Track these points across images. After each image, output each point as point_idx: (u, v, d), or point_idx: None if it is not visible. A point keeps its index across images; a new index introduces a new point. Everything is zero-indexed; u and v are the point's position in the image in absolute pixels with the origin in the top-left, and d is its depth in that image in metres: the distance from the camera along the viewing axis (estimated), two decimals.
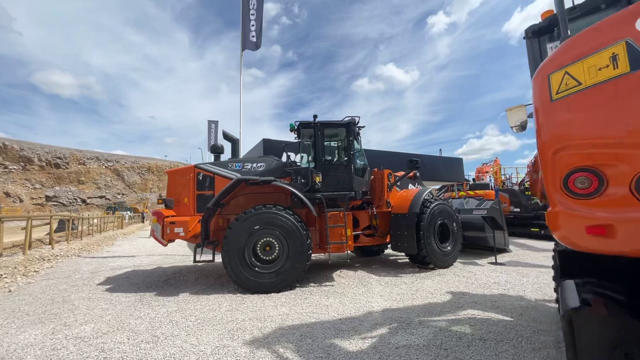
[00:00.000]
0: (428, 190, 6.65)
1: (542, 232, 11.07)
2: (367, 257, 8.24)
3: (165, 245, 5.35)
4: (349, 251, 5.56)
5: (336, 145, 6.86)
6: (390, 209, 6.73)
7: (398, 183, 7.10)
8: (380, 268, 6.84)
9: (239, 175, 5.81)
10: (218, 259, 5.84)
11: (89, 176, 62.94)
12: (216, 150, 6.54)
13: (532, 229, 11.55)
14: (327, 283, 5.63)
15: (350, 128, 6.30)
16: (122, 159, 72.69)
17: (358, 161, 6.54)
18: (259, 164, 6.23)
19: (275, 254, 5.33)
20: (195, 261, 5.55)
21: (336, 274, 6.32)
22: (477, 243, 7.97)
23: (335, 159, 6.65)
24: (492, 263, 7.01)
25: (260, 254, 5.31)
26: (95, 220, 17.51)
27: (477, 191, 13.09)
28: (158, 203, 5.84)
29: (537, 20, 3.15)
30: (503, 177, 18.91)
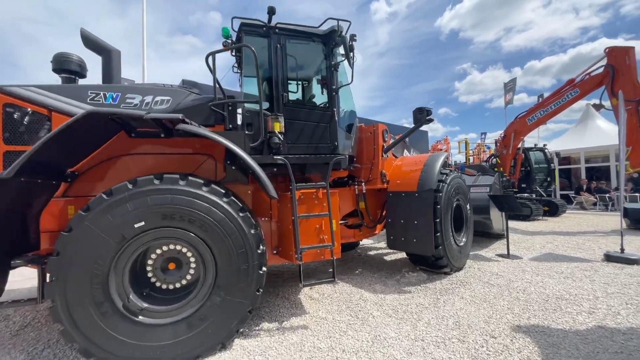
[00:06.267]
0: (444, 156, 4.44)
1: None
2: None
3: None
4: (333, 258, 3.06)
5: (309, 71, 4.08)
6: (385, 185, 4.37)
7: (392, 149, 4.75)
8: (367, 273, 4.54)
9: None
10: None
11: None
12: (62, 64, 3.20)
13: None
14: (295, 319, 3.07)
15: (332, 43, 3.60)
16: None
17: (345, 105, 3.95)
18: (158, 98, 3.18)
19: (189, 277, 2.55)
20: None
21: (305, 292, 3.81)
22: (477, 229, 6.24)
23: (307, 97, 3.95)
24: (503, 256, 5.31)
25: (154, 279, 2.48)
26: None
27: None
28: None
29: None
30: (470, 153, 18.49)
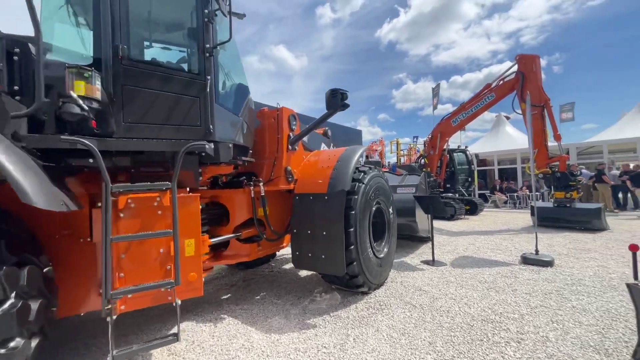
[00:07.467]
0: (362, 150, 3.68)
1: None
2: (248, 269, 4.83)
3: None
4: (177, 302, 1.96)
5: (169, 21, 2.88)
6: (292, 186, 3.44)
7: (306, 138, 3.86)
8: (270, 298, 3.54)
9: None
10: None
11: None
12: None
13: None
14: None
15: None
16: None
17: (226, 73, 2.87)
18: None
19: None
20: None
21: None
22: (402, 232, 5.77)
23: (177, 61, 2.77)
24: (428, 263, 4.86)
25: None
26: None
27: None
28: None
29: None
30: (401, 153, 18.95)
